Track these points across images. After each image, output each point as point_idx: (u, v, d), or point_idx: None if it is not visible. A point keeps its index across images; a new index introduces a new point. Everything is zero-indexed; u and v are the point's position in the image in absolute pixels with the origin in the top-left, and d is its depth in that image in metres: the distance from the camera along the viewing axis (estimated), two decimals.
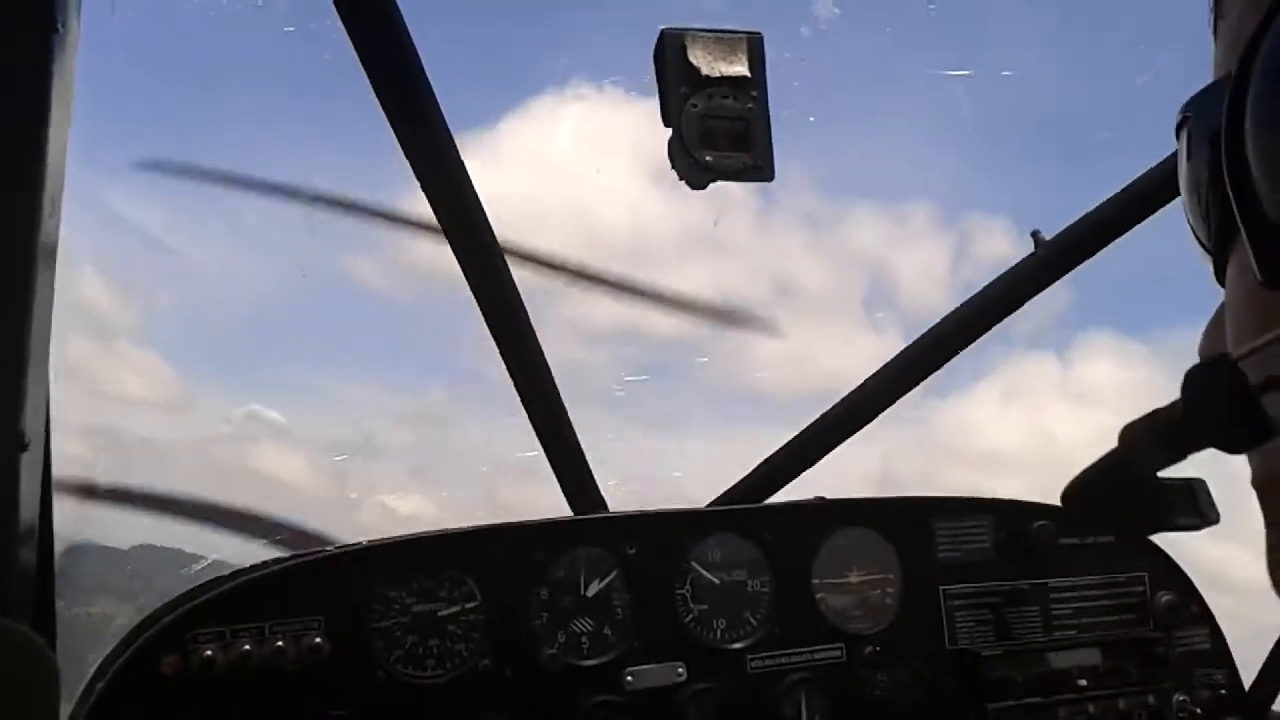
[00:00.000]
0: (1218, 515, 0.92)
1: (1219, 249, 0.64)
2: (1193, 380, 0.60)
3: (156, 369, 3.04)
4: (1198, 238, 0.68)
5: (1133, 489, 0.81)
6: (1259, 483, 0.64)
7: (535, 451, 2.34)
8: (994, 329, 2.32)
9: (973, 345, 2.35)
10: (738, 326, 2.86)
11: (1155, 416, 0.65)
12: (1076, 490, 0.93)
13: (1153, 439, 0.66)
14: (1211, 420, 0.59)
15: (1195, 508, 0.90)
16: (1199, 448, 0.64)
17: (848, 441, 2.40)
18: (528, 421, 2.21)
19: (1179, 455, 0.66)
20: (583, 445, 2.28)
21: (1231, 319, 0.64)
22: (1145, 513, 0.85)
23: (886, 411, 2.37)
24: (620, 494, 2.31)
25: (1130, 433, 0.69)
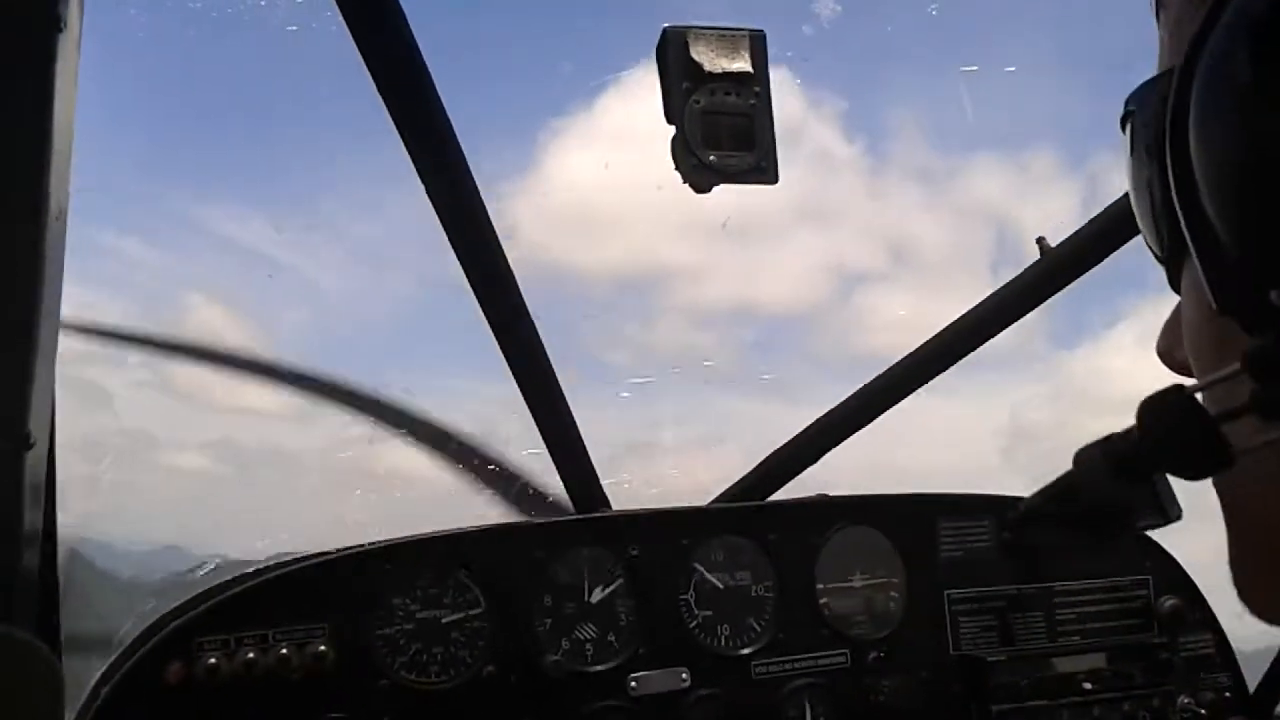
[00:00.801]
0: (1180, 511, 0.90)
1: (1170, 259, 0.61)
2: (1151, 410, 0.59)
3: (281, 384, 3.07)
4: (1148, 242, 0.65)
5: (1090, 497, 0.80)
6: (1228, 507, 0.63)
7: (656, 431, 2.33)
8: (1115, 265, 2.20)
9: (1103, 292, 2.29)
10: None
11: (1110, 443, 0.64)
12: (1030, 513, 0.92)
13: (1107, 465, 0.65)
14: (1172, 449, 0.58)
15: (1157, 506, 0.88)
16: (1155, 474, 0.63)
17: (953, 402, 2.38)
18: (531, 419, 2.21)
19: (1134, 481, 0.66)
20: (587, 445, 2.28)
21: (1189, 340, 0.62)
22: (1105, 519, 0.84)
23: (1012, 367, 2.33)
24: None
25: (1084, 458, 0.68)
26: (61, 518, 1.56)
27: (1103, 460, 0.65)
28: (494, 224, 1.88)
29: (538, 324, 2.11)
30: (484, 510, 2.64)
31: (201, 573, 2.15)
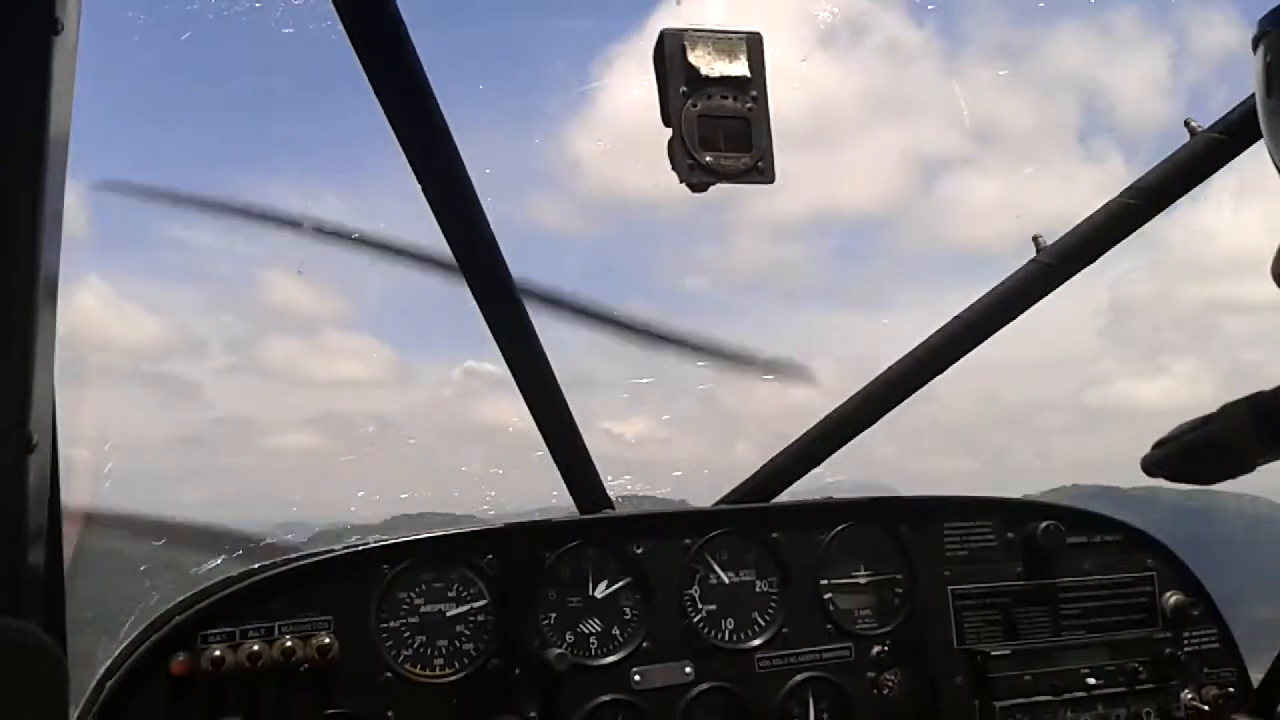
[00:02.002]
0: None
1: None
2: None
3: (373, 350, 3.08)
4: None
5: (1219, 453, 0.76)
6: None
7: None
8: None
9: None
10: (762, 371, 2.78)
11: (1256, 401, 0.60)
12: (1159, 462, 0.89)
13: (1254, 426, 0.62)
14: None
15: None
16: None
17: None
18: (530, 412, 2.21)
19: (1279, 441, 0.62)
20: (587, 444, 2.28)
21: None
22: (1233, 471, 0.80)
23: (1090, 269, 2.25)
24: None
25: (1230, 415, 0.64)
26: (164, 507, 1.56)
27: (1249, 418, 0.62)
28: (494, 230, 1.87)
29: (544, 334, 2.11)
30: None
31: (208, 568, 2.16)
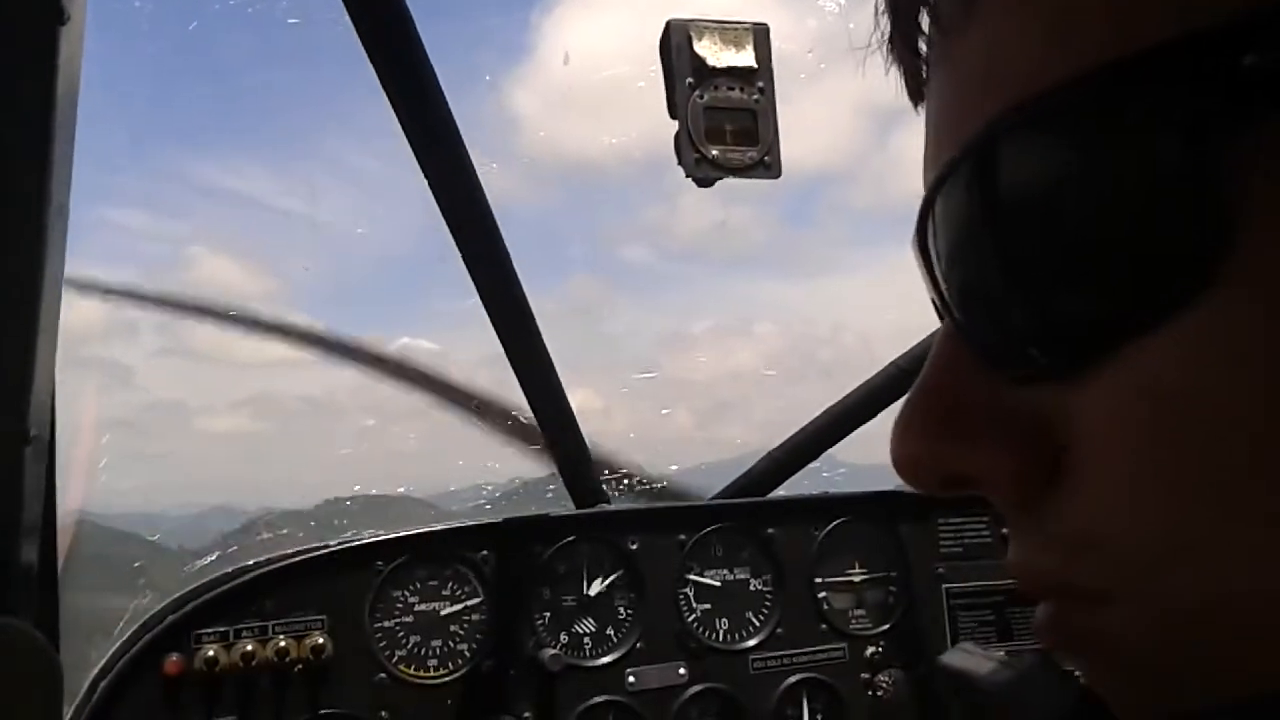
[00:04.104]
0: None
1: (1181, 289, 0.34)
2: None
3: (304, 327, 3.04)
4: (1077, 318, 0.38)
5: None
6: None
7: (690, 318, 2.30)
8: None
9: None
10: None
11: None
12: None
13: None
14: None
15: None
16: None
17: None
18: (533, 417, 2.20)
19: None
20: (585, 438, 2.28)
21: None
22: None
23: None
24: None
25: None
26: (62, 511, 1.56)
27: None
28: (493, 213, 1.86)
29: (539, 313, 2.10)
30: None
31: (202, 565, 2.15)
